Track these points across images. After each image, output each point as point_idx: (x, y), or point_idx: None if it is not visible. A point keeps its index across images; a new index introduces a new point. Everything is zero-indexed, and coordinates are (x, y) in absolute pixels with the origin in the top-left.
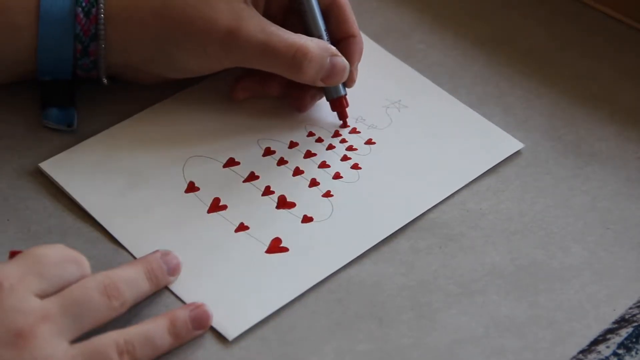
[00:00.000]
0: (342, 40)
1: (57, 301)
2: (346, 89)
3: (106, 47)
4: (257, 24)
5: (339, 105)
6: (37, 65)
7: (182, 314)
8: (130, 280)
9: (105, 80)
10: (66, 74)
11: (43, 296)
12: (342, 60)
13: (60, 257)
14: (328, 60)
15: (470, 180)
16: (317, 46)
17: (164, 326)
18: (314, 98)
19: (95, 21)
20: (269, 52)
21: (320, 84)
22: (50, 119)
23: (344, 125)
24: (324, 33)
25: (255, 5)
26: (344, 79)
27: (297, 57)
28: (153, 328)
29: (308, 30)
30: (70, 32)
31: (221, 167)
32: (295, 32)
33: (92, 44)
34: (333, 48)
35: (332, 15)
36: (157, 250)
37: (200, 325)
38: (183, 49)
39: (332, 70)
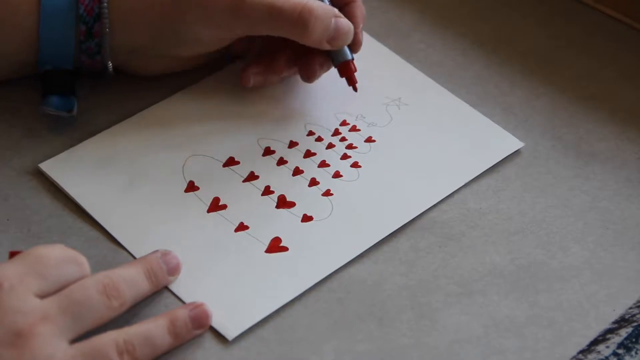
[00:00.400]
0: (344, 6)
1: (56, 301)
2: (353, 55)
3: (110, 27)
4: None
5: (347, 70)
6: (39, 52)
7: (182, 314)
8: (130, 280)
9: (110, 67)
10: (68, 60)
11: (43, 296)
12: (345, 21)
13: (60, 257)
14: (333, 21)
15: (471, 179)
16: (321, 6)
17: (163, 326)
18: (322, 67)
19: (99, 1)
20: (276, 14)
21: (326, 47)
22: (50, 106)
23: (354, 89)
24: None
25: None
26: (349, 40)
27: (302, 16)
28: (153, 328)
29: None
30: (73, 12)
31: (221, 166)
32: None
33: (96, 25)
34: (336, 10)
35: None
36: (156, 250)
37: (200, 325)
38: (191, 21)
39: (337, 31)
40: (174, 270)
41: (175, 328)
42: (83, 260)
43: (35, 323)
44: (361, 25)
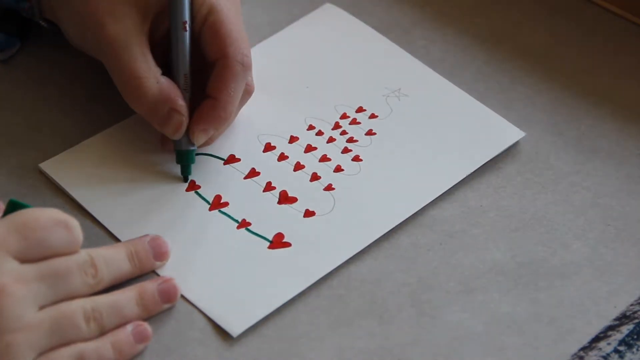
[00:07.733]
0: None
1: (36, 268)
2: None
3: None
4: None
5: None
6: None
7: (151, 287)
8: (110, 260)
9: (43, 24)
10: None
11: (23, 259)
12: (179, 119)
13: (50, 220)
14: (166, 110)
15: (472, 170)
16: (159, 90)
17: (132, 297)
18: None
19: None
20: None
21: (156, 127)
22: None
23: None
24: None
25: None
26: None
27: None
28: (122, 298)
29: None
30: None
31: (222, 164)
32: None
33: None
34: (175, 101)
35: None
36: (146, 235)
37: (168, 299)
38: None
39: (166, 122)
40: (161, 256)
41: (143, 300)
42: (74, 225)
43: (10, 283)
44: (211, 128)
